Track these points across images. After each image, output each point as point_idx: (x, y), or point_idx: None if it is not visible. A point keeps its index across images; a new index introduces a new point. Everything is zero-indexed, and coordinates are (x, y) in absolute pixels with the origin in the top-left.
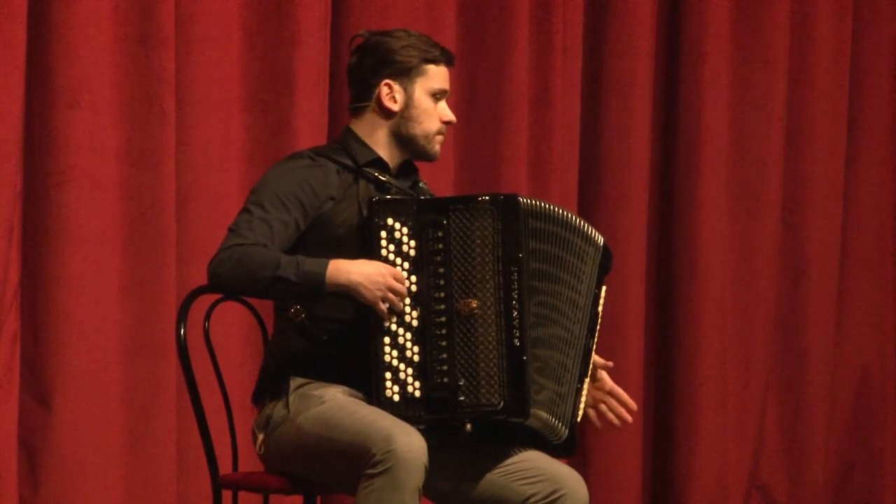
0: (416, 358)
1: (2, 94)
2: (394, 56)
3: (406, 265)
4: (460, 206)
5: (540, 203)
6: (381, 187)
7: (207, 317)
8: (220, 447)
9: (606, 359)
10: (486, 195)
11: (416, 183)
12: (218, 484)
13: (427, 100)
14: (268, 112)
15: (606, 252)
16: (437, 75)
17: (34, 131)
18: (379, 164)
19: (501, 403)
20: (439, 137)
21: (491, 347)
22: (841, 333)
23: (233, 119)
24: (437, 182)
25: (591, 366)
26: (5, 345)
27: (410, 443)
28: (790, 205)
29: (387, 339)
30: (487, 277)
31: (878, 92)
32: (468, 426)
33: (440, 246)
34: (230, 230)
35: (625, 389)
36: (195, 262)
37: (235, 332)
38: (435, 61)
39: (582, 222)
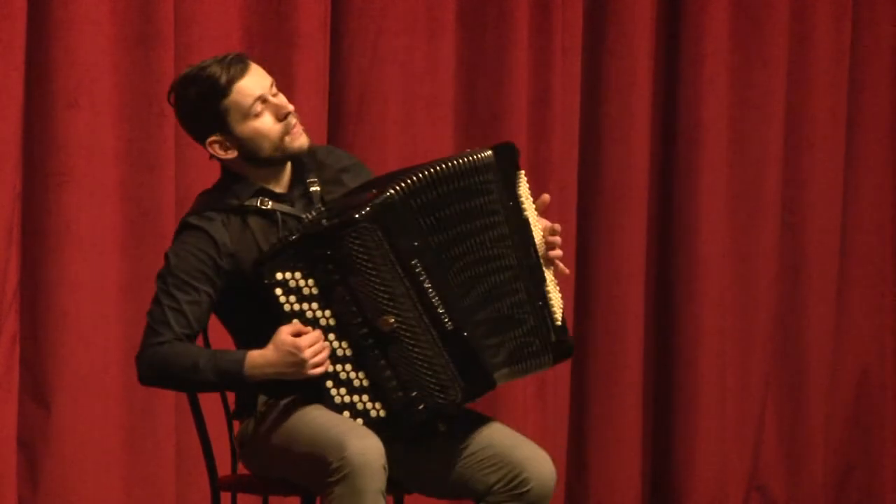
0: (364, 383)
1: (1, 95)
2: (193, 115)
3: (315, 304)
4: (337, 234)
5: (417, 176)
6: (270, 218)
7: None
8: (219, 448)
9: (606, 357)
10: (360, 206)
11: (306, 190)
12: (217, 485)
13: (250, 124)
14: None
15: (500, 155)
16: (239, 99)
17: (34, 132)
18: (261, 193)
19: (460, 395)
20: (289, 137)
21: (426, 348)
22: (841, 333)
23: None
24: None
25: (542, 267)
26: (5, 345)
27: (364, 446)
28: (790, 205)
29: (329, 383)
30: (394, 285)
31: (877, 92)
32: (441, 426)
33: (336, 276)
34: (147, 325)
35: (624, 389)
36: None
37: None
38: (225, 93)
39: (460, 161)
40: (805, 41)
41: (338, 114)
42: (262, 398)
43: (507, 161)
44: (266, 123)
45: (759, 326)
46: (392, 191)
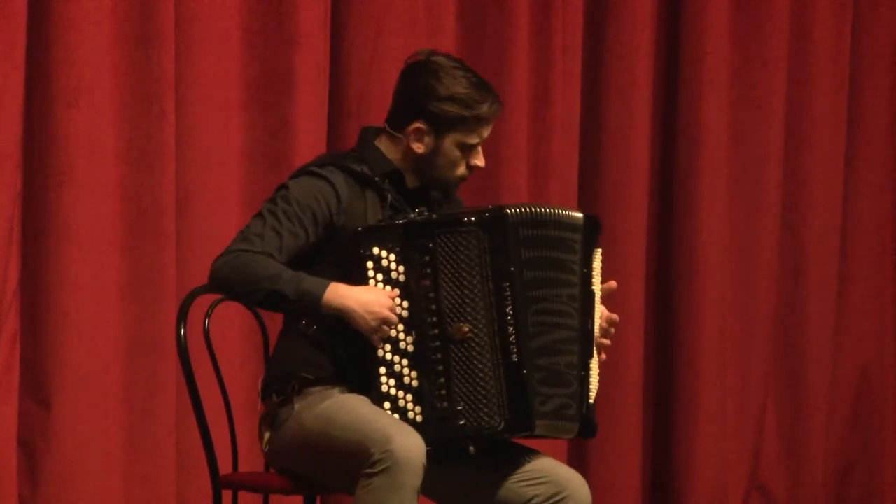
0: (414, 383)
1: (1, 94)
2: (434, 104)
3: (397, 291)
4: (445, 230)
5: (529, 209)
6: (383, 197)
7: (207, 316)
8: (220, 447)
9: (607, 359)
10: (473, 214)
11: (430, 199)
12: (218, 484)
13: (455, 151)
14: (267, 112)
15: (589, 223)
16: (475, 133)
17: (34, 131)
18: (394, 175)
19: (502, 424)
20: (460, 181)
21: (487, 368)
22: (841, 333)
23: (232, 119)
24: None
25: (593, 344)
26: (5, 345)
27: (409, 443)
28: (790, 205)
29: (383, 369)
30: (478, 298)
31: (877, 92)
32: (472, 449)
33: (428, 270)
34: (240, 233)
35: (624, 389)
36: (195, 261)
37: (236, 332)
38: (478, 121)
39: (562, 212)
40: (805, 41)
41: (338, 113)
42: (298, 384)
43: (590, 230)
44: (459, 162)
45: (759, 326)
46: (508, 211)
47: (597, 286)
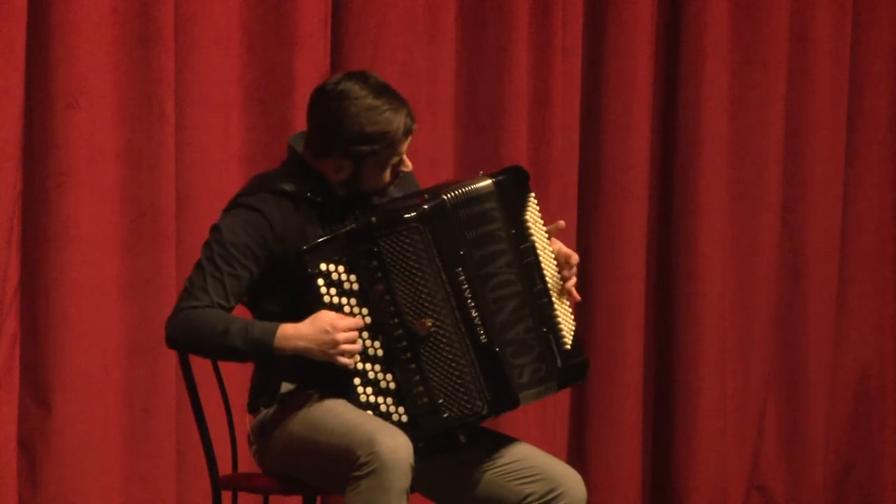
0: (391, 386)
1: (1, 95)
2: (345, 145)
3: (353, 301)
4: (387, 231)
5: (464, 189)
6: (320, 210)
7: None
8: (220, 448)
9: (607, 358)
10: (411, 209)
11: (366, 199)
12: (217, 485)
13: (377, 171)
14: (268, 113)
15: (505, 182)
16: (392, 154)
17: (34, 132)
18: (322, 185)
19: (486, 408)
20: (389, 186)
21: (459, 356)
22: (840, 333)
23: (232, 120)
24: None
25: (549, 293)
26: (5, 346)
27: (395, 444)
28: (790, 205)
29: (357, 380)
30: (435, 290)
31: (877, 92)
32: (462, 438)
33: (379, 274)
34: (185, 289)
35: (624, 389)
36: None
37: None
38: (391, 148)
39: (475, 184)
40: (805, 41)
41: None
42: (284, 387)
43: (508, 187)
44: (385, 176)
45: (759, 326)
46: (445, 197)
47: (537, 235)
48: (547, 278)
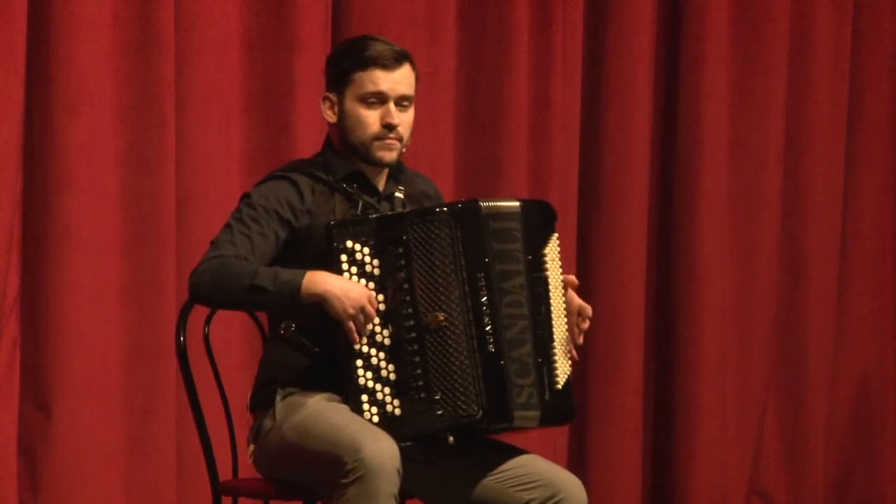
0: (392, 376)
1: (1, 100)
2: (329, 67)
3: (371, 284)
4: (418, 221)
5: (496, 203)
6: (352, 200)
7: (207, 322)
8: (220, 453)
9: (607, 358)
10: (445, 205)
11: (392, 195)
12: (217, 489)
13: (357, 107)
14: (267, 117)
15: (531, 210)
16: (366, 80)
17: (34, 136)
18: (355, 175)
19: (480, 412)
20: (379, 143)
21: (464, 357)
22: (840, 336)
23: (232, 124)
24: (438, 186)
25: (552, 327)
26: (5, 350)
27: (379, 449)
28: (789, 208)
29: (359, 362)
30: (453, 288)
31: (878, 93)
32: (450, 439)
33: (402, 262)
34: (211, 244)
35: (624, 391)
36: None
37: (236, 337)
38: (362, 66)
39: (503, 203)
40: (805, 42)
41: None
42: (280, 393)
43: (535, 217)
44: (368, 118)
45: (759, 328)
46: (482, 203)
47: (552, 272)
48: (553, 318)
